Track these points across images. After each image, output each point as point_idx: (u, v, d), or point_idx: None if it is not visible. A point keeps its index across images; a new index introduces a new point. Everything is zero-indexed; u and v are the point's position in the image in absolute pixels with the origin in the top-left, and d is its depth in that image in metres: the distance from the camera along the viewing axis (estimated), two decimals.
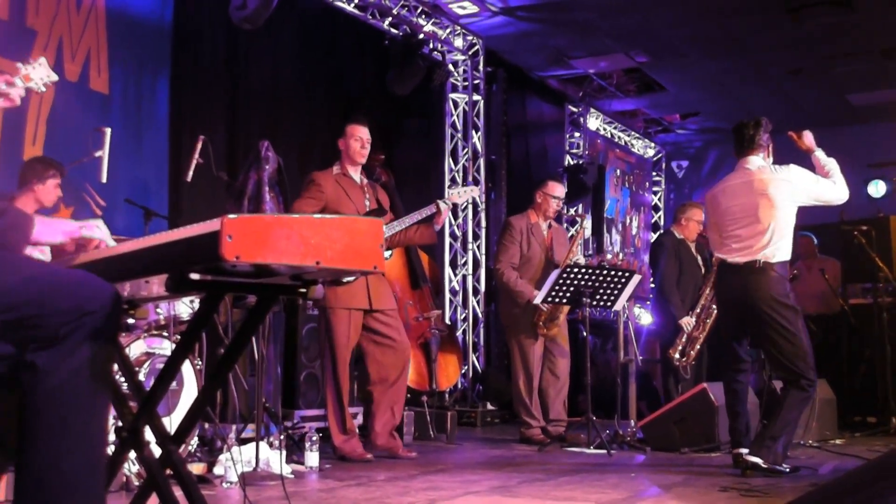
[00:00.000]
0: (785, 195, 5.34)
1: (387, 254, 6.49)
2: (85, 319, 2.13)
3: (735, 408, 5.47)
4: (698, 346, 7.42)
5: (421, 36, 9.38)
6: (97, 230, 2.53)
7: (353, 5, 8.75)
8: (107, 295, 2.20)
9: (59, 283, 2.18)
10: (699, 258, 7.89)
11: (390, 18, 9.14)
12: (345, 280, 2.58)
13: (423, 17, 9.46)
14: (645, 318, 9.49)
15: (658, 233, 14.60)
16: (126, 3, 7.01)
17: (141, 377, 4.54)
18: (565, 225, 11.04)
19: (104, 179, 4.66)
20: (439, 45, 9.86)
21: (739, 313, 5.46)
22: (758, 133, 5.49)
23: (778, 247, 5.32)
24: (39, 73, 3.67)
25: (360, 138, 5.96)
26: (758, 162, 5.47)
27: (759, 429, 5.44)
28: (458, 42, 10.08)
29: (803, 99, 12.12)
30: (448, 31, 9.87)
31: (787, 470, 5.12)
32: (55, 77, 3.75)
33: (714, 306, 7.53)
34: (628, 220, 14.13)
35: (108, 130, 4.61)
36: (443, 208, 6.09)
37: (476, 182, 10.09)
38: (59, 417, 2.11)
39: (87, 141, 4.80)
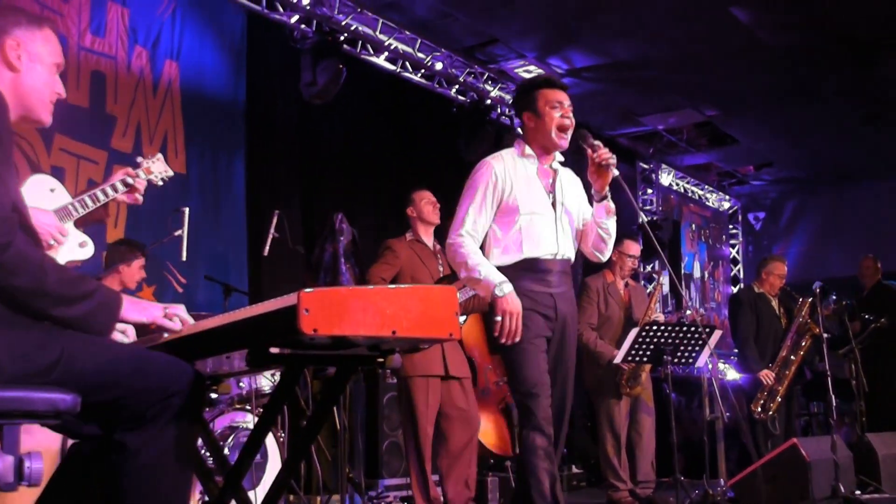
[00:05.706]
0: None
1: (461, 318, 6.47)
2: (171, 401, 2.19)
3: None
4: (779, 399, 7.31)
5: (488, 101, 9.48)
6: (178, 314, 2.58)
7: (420, 75, 8.89)
8: (190, 376, 2.26)
9: (144, 365, 2.24)
10: (781, 310, 7.74)
11: (457, 86, 9.26)
12: (421, 347, 2.59)
13: (490, 82, 9.55)
14: (730, 373, 9.31)
15: (738, 286, 14.37)
16: (200, 85, 7.22)
17: (225, 451, 4.58)
18: (642, 282, 10.92)
19: (184, 257, 4.75)
20: (507, 110, 9.94)
21: None
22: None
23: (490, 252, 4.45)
24: (158, 168, 3.88)
25: (430, 201, 6.04)
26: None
27: None
28: None
29: (879, 146, 11.88)
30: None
31: None
32: (171, 173, 3.94)
33: (793, 357, 7.41)
34: (706, 275, 13.94)
35: (187, 210, 4.71)
36: None
37: None
38: (146, 496, 2.15)
39: (167, 221, 4.91)
